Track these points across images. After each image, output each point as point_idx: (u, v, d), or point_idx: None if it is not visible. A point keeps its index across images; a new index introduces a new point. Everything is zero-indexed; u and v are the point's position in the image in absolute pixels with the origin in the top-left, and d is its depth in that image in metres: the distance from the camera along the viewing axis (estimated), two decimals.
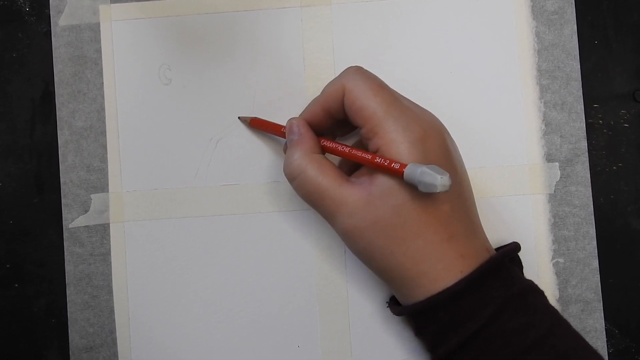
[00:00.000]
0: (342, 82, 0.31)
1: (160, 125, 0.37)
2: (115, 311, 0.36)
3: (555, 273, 0.36)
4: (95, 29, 0.37)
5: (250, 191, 0.37)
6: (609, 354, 0.36)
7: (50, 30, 0.37)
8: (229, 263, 0.36)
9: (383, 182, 0.29)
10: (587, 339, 0.35)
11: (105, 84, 0.37)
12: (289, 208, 0.37)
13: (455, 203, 0.30)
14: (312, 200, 0.31)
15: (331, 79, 0.32)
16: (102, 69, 0.37)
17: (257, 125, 0.36)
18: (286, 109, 0.36)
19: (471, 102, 0.37)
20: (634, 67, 0.37)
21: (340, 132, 0.35)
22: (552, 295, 0.36)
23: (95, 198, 0.37)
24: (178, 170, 0.37)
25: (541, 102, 0.36)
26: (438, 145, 0.30)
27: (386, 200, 0.29)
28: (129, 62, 0.37)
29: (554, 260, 0.36)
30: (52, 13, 0.37)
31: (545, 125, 0.36)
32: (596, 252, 0.36)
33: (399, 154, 0.28)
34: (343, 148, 0.31)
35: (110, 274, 0.36)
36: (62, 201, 0.37)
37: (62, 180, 0.37)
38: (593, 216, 0.36)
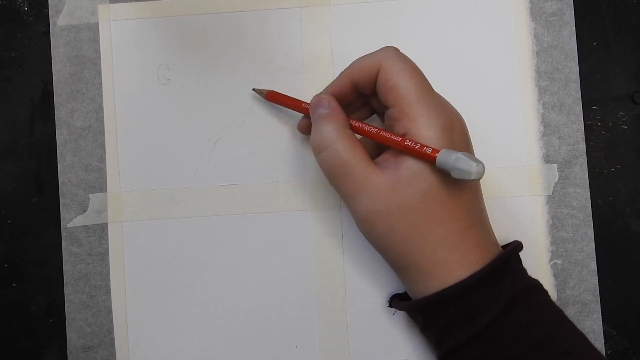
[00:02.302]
0: (379, 58, 0.30)
1: (159, 125, 0.37)
2: (113, 311, 0.36)
3: (554, 274, 0.36)
4: (93, 28, 0.37)
5: (249, 191, 0.37)
6: (607, 355, 0.36)
7: (49, 30, 0.37)
8: (227, 263, 0.36)
9: (411, 166, 0.29)
10: None
11: (103, 83, 0.37)
12: (287, 208, 0.37)
13: (474, 193, 0.30)
14: (337, 175, 0.30)
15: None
16: (100, 69, 0.37)
17: (274, 99, 0.35)
18: (286, 109, 0.36)
19: (470, 104, 0.37)
20: (633, 69, 0.37)
21: (356, 116, 0.35)
22: (550, 296, 0.36)
23: (94, 198, 0.37)
24: (176, 170, 0.37)
25: (540, 103, 0.36)
26: (462, 135, 0.30)
27: (413, 185, 0.29)
28: (128, 62, 0.37)
29: (552, 262, 0.36)
30: (50, 13, 0.37)
31: (544, 127, 0.36)
32: (594, 253, 0.36)
33: (429, 138, 0.28)
34: (370, 129, 0.31)
35: (108, 274, 0.36)
36: (61, 201, 0.37)
37: (60, 180, 0.37)
38: (591, 218, 0.36)
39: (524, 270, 0.31)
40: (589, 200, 0.36)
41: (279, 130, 0.37)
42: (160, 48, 0.37)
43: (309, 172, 0.37)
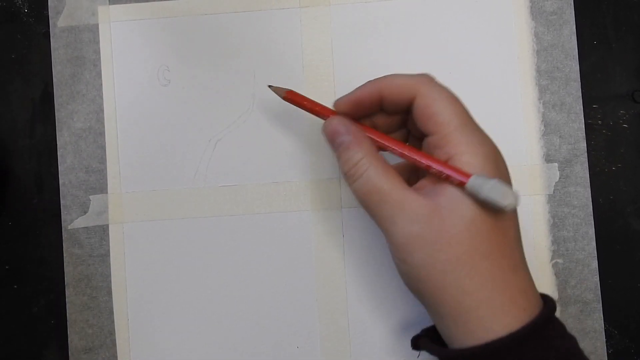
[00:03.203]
0: (417, 82, 0.29)
1: (159, 127, 0.37)
2: (114, 312, 0.36)
3: (555, 274, 0.36)
4: (93, 30, 0.37)
5: (249, 192, 0.37)
6: (608, 354, 0.36)
7: (49, 31, 0.37)
8: (228, 264, 0.36)
9: (452, 193, 0.27)
10: (587, 340, 0.35)
11: (104, 85, 0.37)
12: (288, 209, 0.36)
13: (517, 232, 0.28)
14: (372, 202, 0.28)
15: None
16: (100, 70, 0.37)
17: (293, 100, 0.33)
18: (286, 109, 0.36)
19: (470, 103, 0.36)
20: (633, 68, 0.37)
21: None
22: (551, 296, 0.36)
23: (94, 199, 0.37)
24: (177, 171, 0.37)
25: (540, 102, 0.36)
26: (505, 166, 0.29)
27: (455, 212, 0.26)
28: (128, 63, 0.37)
29: (553, 261, 0.36)
30: (50, 14, 0.37)
31: (545, 126, 0.36)
32: (595, 252, 0.36)
33: (473, 165, 0.27)
34: (401, 149, 0.29)
35: (109, 275, 0.36)
36: (61, 202, 0.37)
37: (61, 181, 0.37)
38: (592, 217, 0.36)
39: (564, 325, 0.28)
40: (590, 199, 0.36)
41: (279, 131, 0.37)
42: (161, 49, 0.37)
43: (309, 173, 0.37)
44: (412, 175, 0.32)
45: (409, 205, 0.27)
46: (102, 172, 0.37)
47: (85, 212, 0.37)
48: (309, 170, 0.37)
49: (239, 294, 0.36)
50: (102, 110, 0.37)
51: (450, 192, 0.27)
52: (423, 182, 0.29)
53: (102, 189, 0.37)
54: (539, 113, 0.36)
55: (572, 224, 0.36)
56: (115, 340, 0.36)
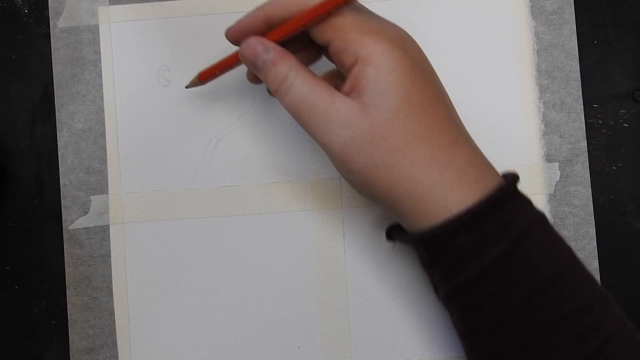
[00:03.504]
0: None
1: (160, 127, 0.37)
2: (115, 313, 0.36)
3: None
4: (94, 30, 0.37)
5: (250, 192, 0.37)
6: None
7: (49, 32, 0.37)
8: (229, 264, 0.36)
9: (372, 88, 0.27)
10: None
11: (104, 85, 0.37)
12: (288, 209, 0.37)
13: (449, 106, 0.28)
14: (302, 113, 0.28)
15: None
16: (101, 71, 0.37)
17: (208, 75, 0.33)
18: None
19: (471, 103, 0.37)
20: (634, 67, 0.37)
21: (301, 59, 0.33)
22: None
23: (95, 200, 0.37)
24: (177, 172, 0.37)
25: (540, 102, 0.36)
26: (415, 47, 0.29)
27: (380, 105, 0.26)
28: (128, 63, 0.37)
29: None
30: (50, 15, 0.37)
31: (545, 126, 0.36)
32: (596, 252, 0.36)
33: (381, 52, 0.27)
34: (287, 24, 0.29)
35: (110, 276, 0.36)
36: (62, 203, 0.37)
37: (61, 182, 0.37)
38: (593, 216, 0.36)
39: (530, 199, 0.28)
40: (591, 198, 0.36)
41: (279, 131, 0.37)
42: (161, 49, 0.37)
43: (309, 173, 0.37)
44: (342, 82, 0.31)
45: (336, 111, 0.27)
46: (102, 173, 0.37)
47: (86, 213, 0.37)
48: (310, 170, 0.37)
49: (240, 294, 0.36)
50: (103, 111, 0.37)
51: (372, 87, 0.27)
52: (343, 89, 0.28)
53: (103, 189, 0.37)
54: (539, 113, 0.36)
55: (573, 224, 0.36)
56: (116, 340, 0.36)
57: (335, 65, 0.30)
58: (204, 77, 0.33)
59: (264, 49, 0.29)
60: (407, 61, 0.27)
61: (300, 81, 0.28)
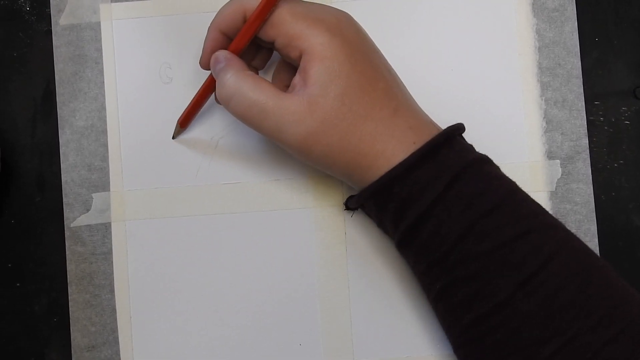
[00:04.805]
0: (241, 3, 0.31)
1: (161, 124, 0.37)
2: (117, 310, 0.36)
3: None
4: (95, 28, 0.37)
5: (252, 189, 0.37)
6: None
7: (51, 29, 0.37)
8: (230, 261, 0.36)
9: (317, 79, 0.29)
10: None
11: (106, 83, 0.37)
12: (290, 206, 0.37)
13: (388, 79, 0.31)
14: (253, 117, 0.30)
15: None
16: (102, 68, 0.37)
17: (188, 120, 0.36)
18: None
19: (472, 100, 0.37)
20: (635, 64, 0.37)
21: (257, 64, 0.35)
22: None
23: (97, 197, 0.37)
24: (179, 169, 0.37)
25: (542, 99, 0.36)
26: (354, 29, 0.31)
27: (326, 95, 0.29)
28: (130, 61, 0.37)
29: None
30: (52, 12, 0.37)
31: (546, 123, 0.36)
32: (598, 249, 0.36)
33: (322, 44, 0.29)
34: (240, 35, 0.31)
35: (111, 273, 0.36)
36: (64, 200, 0.37)
37: (63, 179, 0.37)
38: (594, 213, 0.36)
39: (471, 147, 0.31)
40: (592, 196, 0.36)
41: None
42: (162, 47, 0.37)
43: (311, 170, 0.37)
44: (285, 83, 0.33)
45: (286, 110, 0.29)
46: (104, 170, 0.37)
47: (87, 210, 0.37)
48: (311, 167, 0.37)
49: (241, 291, 0.36)
50: (104, 108, 0.37)
51: (315, 80, 0.29)
52: (292, 83, 0.30)
53: (105, 186, 0.37)
54: (540, 110, 0.36)
55: (574, 221, 0.36)
56: (117, 337, 0.36)
57: (284, 59, 0.32)
58: (184, 123, 0.36)
59: (221, 59, 0.31)
60: (345, 47, 0.29)
61: (245, 85, 0.30)
